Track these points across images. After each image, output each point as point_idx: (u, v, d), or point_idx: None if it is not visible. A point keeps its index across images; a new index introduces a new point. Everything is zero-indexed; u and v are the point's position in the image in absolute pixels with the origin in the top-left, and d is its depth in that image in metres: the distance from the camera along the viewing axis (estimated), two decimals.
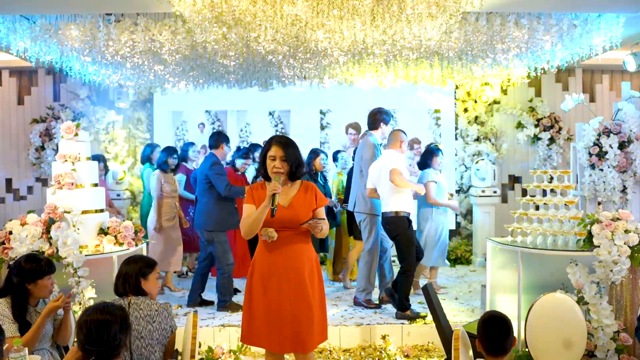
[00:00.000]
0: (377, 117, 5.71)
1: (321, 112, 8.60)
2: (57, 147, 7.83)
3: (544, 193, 4.90)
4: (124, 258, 3.25)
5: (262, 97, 8.24)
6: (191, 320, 3.14)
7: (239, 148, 7.13)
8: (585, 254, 4.26)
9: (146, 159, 6.89)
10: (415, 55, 5.48)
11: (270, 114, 8.58)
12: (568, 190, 4.69)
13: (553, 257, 4.45)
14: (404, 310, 5.19)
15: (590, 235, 4.27)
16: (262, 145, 7.18)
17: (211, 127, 8.53)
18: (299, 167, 3.23)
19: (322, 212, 3.35)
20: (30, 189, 8.15)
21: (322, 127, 8.60)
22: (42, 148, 7.94)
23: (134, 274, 3.09)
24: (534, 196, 4.87)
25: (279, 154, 3.17)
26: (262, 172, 3.27)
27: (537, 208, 5.09)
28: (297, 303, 3.19)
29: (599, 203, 5.33)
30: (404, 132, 5.49)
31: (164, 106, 8.48)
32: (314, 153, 6.58)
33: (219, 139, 5.74)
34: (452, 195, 7.12)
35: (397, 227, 5.19)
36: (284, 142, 3.21)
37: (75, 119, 7.99)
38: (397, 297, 5.21)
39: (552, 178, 4.86)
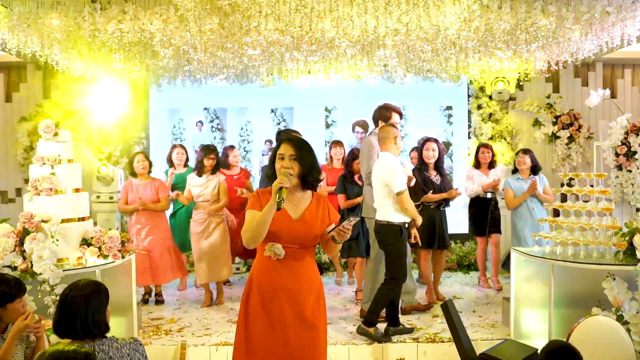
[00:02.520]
0: (375, 114, 5.24)
1: (326, 110, 8.13)
2: None
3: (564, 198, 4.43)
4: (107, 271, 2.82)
5: (264, 94, 7.79)
6: (178, 352, 2.69)
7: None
8: (626, 268, 3.80)
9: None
10: (431, 47, 5.00)
11: (272, 111, 8.12)
12: (603, 195, 4.21)
13: (587, 270, 3.98)
14: (369, 326, 4.61)
15: (631, 247, 3.80)
16: None
17: (209, 126, 8.08)
18: (313, 171, 2.76)
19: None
20: (18, 191, 7.70)
21: (327, 125, 8.13)
22: (31, 148, 7.50)
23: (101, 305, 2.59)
24: (564, 201, 4.40)
25: (289, 152, 2.72)
26: (271, 175, 2.81)
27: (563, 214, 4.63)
28: (302, 332, 2.73)
29: (638, 210, 4.85)
30: (395, 126, 4.92)
31: (160, 103, 8.03)
32: (352, 154, 6.03)
33: None
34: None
35: (388, 236, 4.64)
36: (296, 141, 2.77)
37: (66, 116, 7.55)
38: (370, 309, 4.65)
39: (578, 181, 4.39)
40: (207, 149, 5.78)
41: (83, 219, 4.19)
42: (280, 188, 2.58)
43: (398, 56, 5.66)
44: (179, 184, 6.17)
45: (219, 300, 5.86)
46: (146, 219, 5.74)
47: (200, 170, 5.73)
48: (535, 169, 5.85)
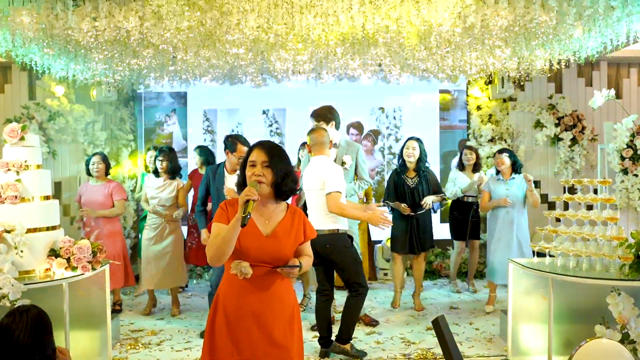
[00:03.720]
0: (325, 113, 4.88)
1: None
2: None
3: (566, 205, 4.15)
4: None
5: (255, 95, 7.54)
6: None
7: None
8: (632, 283, 3.52)
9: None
10: (424, 45, 4.73)
11: (264, 112, 7.86)
12: (607, 203, 3.92)
13: (590, 284, 3.70)
14: (345, 343, 4.29)
15: (638, 260, 3.53)
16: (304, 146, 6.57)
17: (200, 127, 7.83)
18: (288, 179, 2.47)
19: (308, 246, 2.63)
20: None
21: None
22: None
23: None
24: (565, 210, 4.12)
25: (261, 158, 2.43)
26: (241, 184, 2.53)
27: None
28: (272, 352, 2.46)
29: None
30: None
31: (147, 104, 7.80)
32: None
33: None
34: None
35: (339, 245, 4.25)
36: (269, 146, 2.48)
37: (51, 118, 7.32)
38: (343, 324, 4.30)
39: (581, 188, 4.11)
40: (160, 151, 5.57)
41: (53, 228, 3.94)
42: (247, 201, 2.31)
43: (391, 55, 5.38)
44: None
45: (174, 311, 5.60)
46: (95, 222, 5.50)
47: (156, 171, 5.54)
48: (515, 166, 5.57)
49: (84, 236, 5.44)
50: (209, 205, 5.04)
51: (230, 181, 4.61)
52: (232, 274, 2.47)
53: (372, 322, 5.17)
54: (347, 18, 4.00)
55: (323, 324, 4.37)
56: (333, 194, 4.04)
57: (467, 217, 6.30)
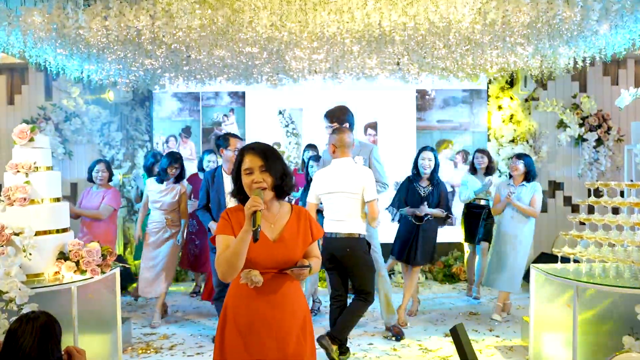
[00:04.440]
0: (341, 114, 4.72)
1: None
2: None
3: (591, 209, 3.95)
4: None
5: (272, 94, 7.46)
6: None
7: None
8: None
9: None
10: (443, 42, 4.58)
11: (280, 112, 7.76)
12: (636, 207, 3.73)
13: (617, 292, 3.51)
14: (334, 342, 4.12)
15: None
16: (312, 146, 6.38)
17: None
18: (287, 179, 2.37)
19: (315, 247, 2.51)
20: None
21: None
22: None
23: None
24: (590, 213, 3.93)
25: (257, 163, 2.32)
26: (237, 195, 2.41)
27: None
28: None
29: None
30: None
31: (163, 105, 7.76)
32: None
33: None
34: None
35: (359, 250, 4.17)
36: (261, 149, 2.35)
37: (67, 119, 7.35)
38: (340, 324, 4.18)
39: (607, 191, 3.91)
40: (172, 157, 5.45)
41: (62, 230, 3.88)
42: (255, 212, 2.19)
43: (408, 53, 5.24)
44: None
45: (155, 320, 5.40)
46: (88, 228, 5.38)
47: (163, 177, 5.42)
48: (528, 175, 5.38)
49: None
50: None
51: (230, 183, 4.52)
52: (241, 283, 2.36)
53: (399, 334, 4.86)
54: (363, 15, 3.87)
55: (340, 328, 4.23)
56: (375, 201, 4.11)
57: (478, 221, 6.18)
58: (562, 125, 7.32)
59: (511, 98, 7.34)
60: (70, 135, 7.35)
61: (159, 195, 5.38)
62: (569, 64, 5.71)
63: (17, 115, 7.47)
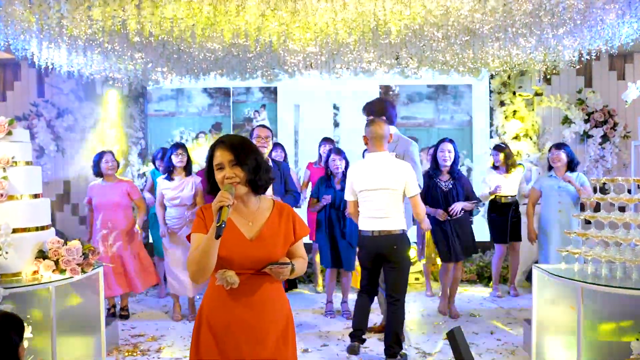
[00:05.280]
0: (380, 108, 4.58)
1: (335, 107, 7.56)
2: (39, 147, 7.18)
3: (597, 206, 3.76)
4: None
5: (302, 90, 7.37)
6: None
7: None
8: None
9: None
10: (442, 33, 4.39)
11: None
12: None
13: (624, 294, 3.32)
14: (395, 356, 4.03)
15: None
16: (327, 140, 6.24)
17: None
18: (260, 171, 2.19)
19: (300, 247, 2.32)
20: None
21: (336, 124, 7.57)
22: None
23: None
24: (597, 211, 3.74)
25: (227, 157, 2.14)
26: (211, 191, 2.24)
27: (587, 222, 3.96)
28: None
29: None
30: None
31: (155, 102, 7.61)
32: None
33: None
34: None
35: (406, 247, 4.05)
36: (231, 143, 2.17)
37: (60, 115, 7.20)
38: (392, 336, 4.02)
39: (614, 188, 3.72)
40: (175, 146, 5.28)
41: (42, 228, 3.72)
42: (221, 207, 2.02)
43: (406, 45, 5.05)
44: None
45: (178, 317, 5.37)
46: (113, 223, 5.27)
47: (169, 171, 5.23)
48: (572, 165, 5.19)
49: (101, 239, 5.27)
50: None
51: None
52: (217, 284, 2.19)
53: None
54: (356, 2, 3.69)
55: (361, 318, 4.14)
56: (418, 196, 3.99)
57: (506, 218, 5.98)
58: (566, 121, 7.11)
59: (514, 93, 7.11)
60: (63, 132, 7.20)
61: (174, 191, 5.19)
62: (574, 57, 5.52)
63: (9, 112, 7.30)
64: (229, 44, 4.68)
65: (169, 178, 5.25)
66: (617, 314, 3.44)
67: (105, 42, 4.67)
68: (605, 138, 6.99)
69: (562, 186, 5.19)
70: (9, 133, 3.63)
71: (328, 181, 5.35)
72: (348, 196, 4.14)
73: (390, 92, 7.52)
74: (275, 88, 7.52)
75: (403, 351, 4.09)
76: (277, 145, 6.12)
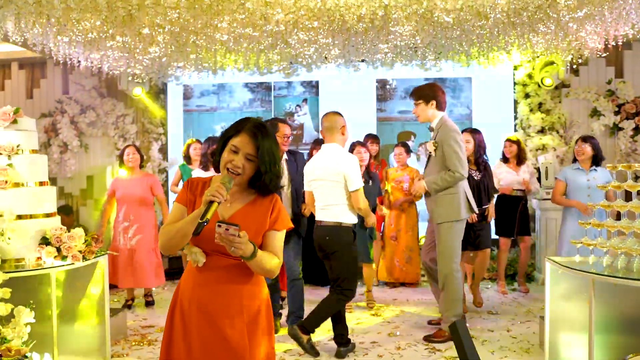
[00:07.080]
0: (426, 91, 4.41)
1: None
2: (63, 143, 7.33)
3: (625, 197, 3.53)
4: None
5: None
6: None
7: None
8: None
9: None
10: (452, 17, 4.24)
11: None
12: None
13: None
14: (305, 333, 3.96)
15: None
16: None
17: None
18: (267, 177, 2.06)
19: (276, 239, 2.14)
20: None
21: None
22: (49, 144, 7.31)
23: None
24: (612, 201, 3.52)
25: (247, 149, 2.03)
26: (215, 163, 2.15)
27: (617, 217, 3.74)
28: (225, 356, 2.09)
29: None
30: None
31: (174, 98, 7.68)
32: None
33: None
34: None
35: (340, 239, 3.97)
36: (261, 136, 2.04)
37: (83, 112, 7.34)
38: (314, 314, 3.99)
39: (632, 175, 3.49)
40: (212, 140, 5.29)
41: (47, 215, 3.76)
42: (211, 202, 1.93)
43: (420, 34, 4.91)
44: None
45: None
46: (135, 216, 5.32)
47: (206, 164, 5.22)
48: (596, 159, 4.96)
49: (122, 231, 5.34)
50: None
51: (285, 169, 4.54)
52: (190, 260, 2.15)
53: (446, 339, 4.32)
54: None
55: (337, 321, 4.07)
56: (360, 190, 3.95)
57: (514, 212, 5.79)
58: (595, 113, 6.82)
59: (539, 85, 6.85)
60: (86, 128, 7.34)
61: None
62: (599, 44, 5.26)
63: (36, 109, 7.53)
64: (237, 35, 4.64)
65: (205, 169, 5.27)
66: (633, 307, 3.23)
67: (116, 34, 4.70)
68: (637, 130, 6.66)
69: (591, 180, 4.94)
70: (15, 121, 3.69)
71: None
72: (305, 186, 4.21)
73: (387, 86, 7.36)
74: (317, 82, 7.45)
75: (306, 336, 3.96)
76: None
